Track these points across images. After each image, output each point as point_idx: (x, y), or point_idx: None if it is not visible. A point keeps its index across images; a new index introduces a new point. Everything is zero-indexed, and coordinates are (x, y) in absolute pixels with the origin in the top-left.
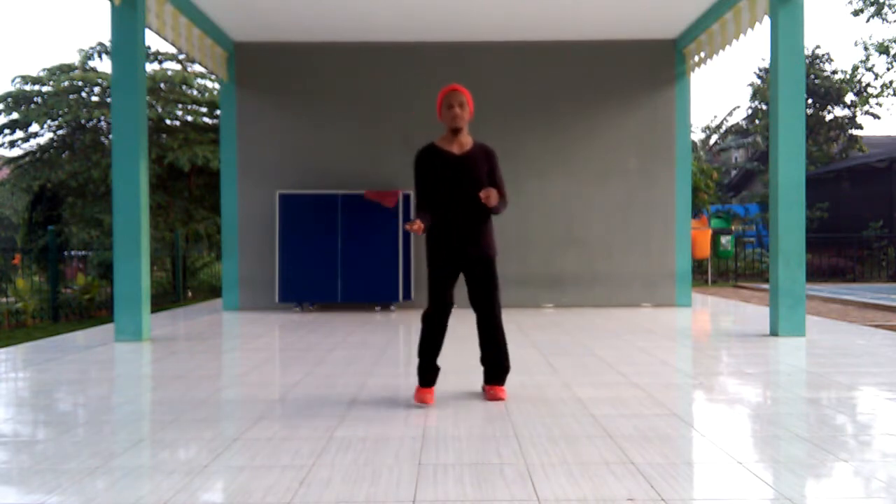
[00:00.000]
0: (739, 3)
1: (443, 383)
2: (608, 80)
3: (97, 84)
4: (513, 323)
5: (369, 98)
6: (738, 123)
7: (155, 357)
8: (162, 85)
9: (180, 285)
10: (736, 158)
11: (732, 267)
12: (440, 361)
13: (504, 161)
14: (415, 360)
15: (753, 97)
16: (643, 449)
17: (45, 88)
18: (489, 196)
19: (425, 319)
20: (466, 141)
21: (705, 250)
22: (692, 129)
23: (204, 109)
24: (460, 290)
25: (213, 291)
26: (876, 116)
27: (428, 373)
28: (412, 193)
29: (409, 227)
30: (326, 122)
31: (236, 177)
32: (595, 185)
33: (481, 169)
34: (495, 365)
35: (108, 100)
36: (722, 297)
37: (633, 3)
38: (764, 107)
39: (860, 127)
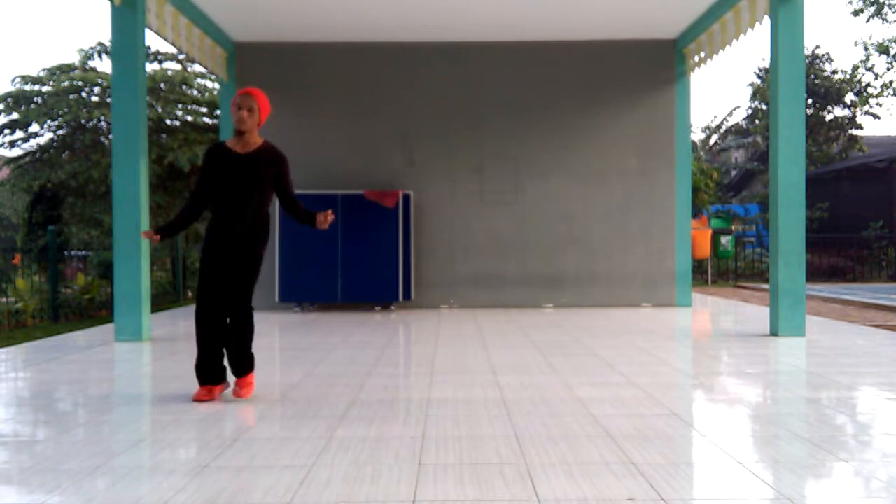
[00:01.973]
0: (739, 3)
1: (441, 383)
2: (608, 80)
3: (97, 84)
4: (513, 323)
5: (369, 98)
6: (738, 123)
7: (155, 357)
8: (162, 85)
9: (180, 285)
10: (736, 158)
11: (732, 267)
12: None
13: (504, 161)
14: (413, 360)
15: (753, 97)
16: (643, 449)
17: (45, 88)
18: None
19: (195, 321)
20: (253, 142)
21: (705, 250)
22: (692, 129)
23: (204, 109)
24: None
25: None
26: (876, 116)
27: (204, 372)
28: (412, 193)
29: (144, 234)
30: (326, 122)
31: None
32: (595, 185)
33: (263, 171)
34: (240, 359)
35: (108, 100)
36: (722, 297)
37: (633, 3)
38: (764, 107)
39: (860, 127)
